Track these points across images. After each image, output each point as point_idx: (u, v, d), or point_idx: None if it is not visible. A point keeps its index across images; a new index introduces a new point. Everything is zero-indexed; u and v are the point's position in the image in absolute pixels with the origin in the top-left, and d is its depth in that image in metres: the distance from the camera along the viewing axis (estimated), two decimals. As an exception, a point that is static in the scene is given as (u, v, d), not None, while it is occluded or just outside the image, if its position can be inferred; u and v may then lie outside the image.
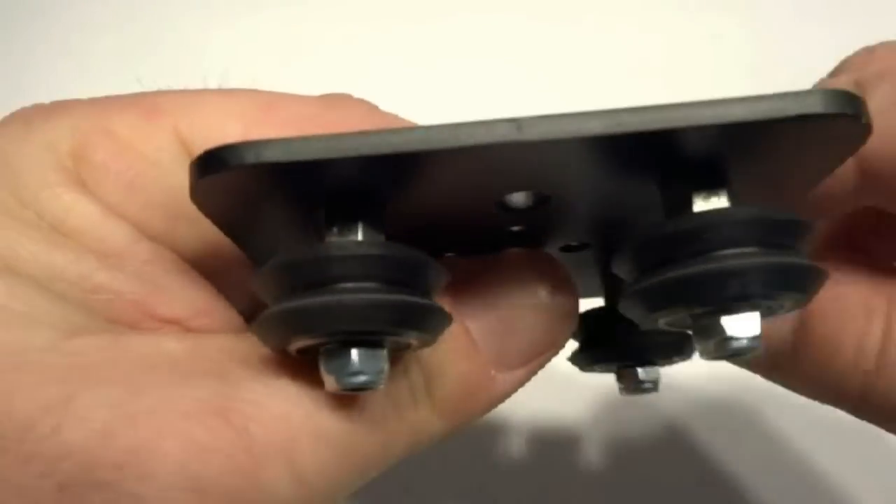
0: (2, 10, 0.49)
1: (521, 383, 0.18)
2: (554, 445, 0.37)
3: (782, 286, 0.14)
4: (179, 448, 0.13)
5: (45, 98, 0.19)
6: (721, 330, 0.14)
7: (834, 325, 0.19)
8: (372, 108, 0.18)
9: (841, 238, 0.21)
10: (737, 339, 0.14)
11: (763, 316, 0.15)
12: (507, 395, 0.18)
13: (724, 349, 0.14)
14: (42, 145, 0.17)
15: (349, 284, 0.14)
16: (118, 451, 0.13)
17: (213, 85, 0.20)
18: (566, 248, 0.19)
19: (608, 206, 0.17)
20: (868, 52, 0.19)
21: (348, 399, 0.15)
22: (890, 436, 0.21)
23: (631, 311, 0.15)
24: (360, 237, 0.15)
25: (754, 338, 0.14)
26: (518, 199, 0.16)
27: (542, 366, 0.18)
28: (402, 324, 0.14)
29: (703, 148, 0.14)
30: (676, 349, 0.21)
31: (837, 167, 0.16)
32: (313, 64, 0.44)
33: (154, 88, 0.19)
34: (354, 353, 0.14)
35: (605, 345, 0.21)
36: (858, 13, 0.49)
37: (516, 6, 0.48)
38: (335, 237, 0.15)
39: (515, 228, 0.17)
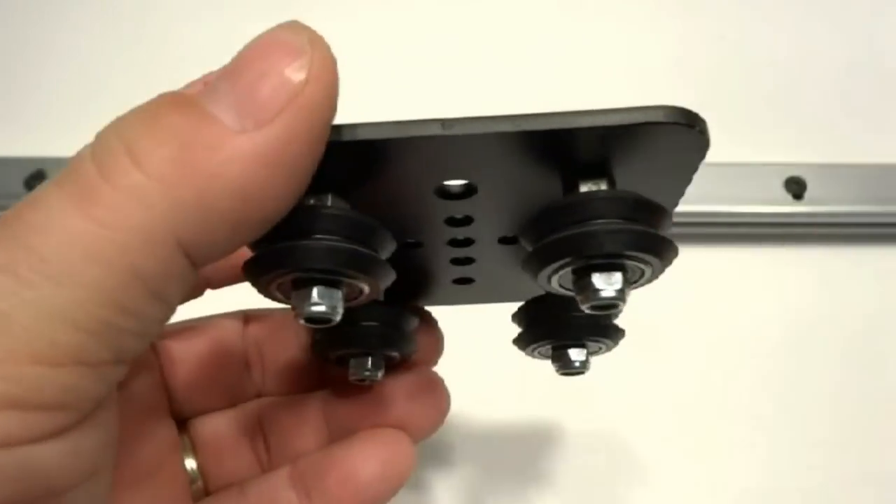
0: (2, 9, 0.52)
1: (278, 143, 0.16)
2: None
3: (633, 247, 0.18)
4: None
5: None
6: (591, 284, 0.18)
7: None
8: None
9: None
10: (603, 290, 0.18)
11: (630, 281, 0.19)
12: (264, 155, 0.16)
13: (594, 299, 0.18)
14: None
15: (317, 235, 0.18)
16: None
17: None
18: (504, 241, 0.23)
19: (526, 200, 0.21)
20: None
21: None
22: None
23: (529, 269, 0.20)
24: (329, 203, 0.19)
25: (618, 291, 0.18)
26: (452, 185, 0.20)
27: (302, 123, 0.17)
28: (352, 267, 0.19)
29: (589, 146, 0.18)
30: (599, 331, 0.25)
31: (691, 177, 0.20)
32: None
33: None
34: (315, 289, 0.19)
35: (541, 327, 0.25)
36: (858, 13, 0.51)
37: (513, 6, 0.52)
38: (310, 202, 0.19)
39: (458, 216, 0.22)
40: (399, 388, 0.28)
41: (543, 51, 0.50)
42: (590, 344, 0.25)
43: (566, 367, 0.25)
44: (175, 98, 0.17)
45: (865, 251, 0.45)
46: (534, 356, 0.27)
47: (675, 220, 0.41)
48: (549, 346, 0.26)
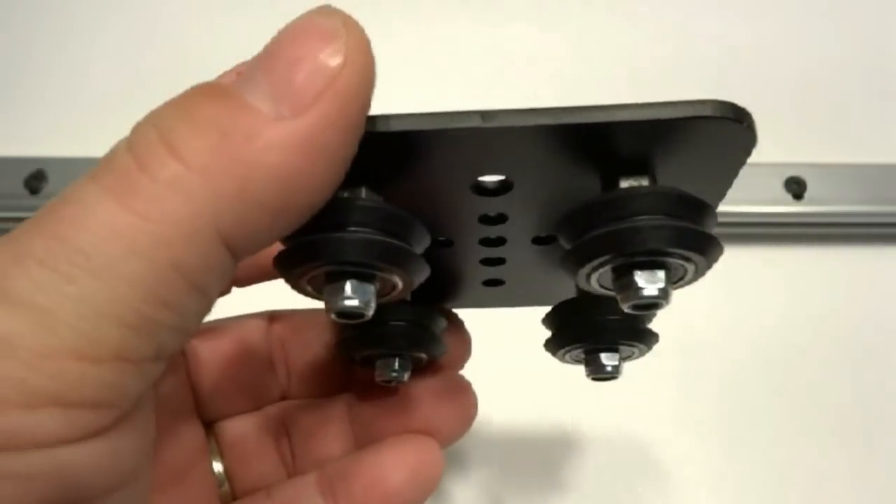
0: (2, 10, 0.51)
1: (317, 129, 0.16)
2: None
3: (677, 244, 0.17)
4: None
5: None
6: (634, 282, 0.18)
7: None
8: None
9: None
10: (645, 288, 0.18)
11: (673, 280, 0.18)
12: (303, 141, 0.16)
13: (636, 298, 0.18)
14: None
15: (351, 228, 0.18)
16: None
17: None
18: (537, 241, 0.23)
19: (563, 198, 0.20)
20: None
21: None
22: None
23: (568, 267, 0.19)
24: (363, 196, 0.19)
25: (661, 290, 0.18)
26: (488, 181, 0.20)
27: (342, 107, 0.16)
28: (386, 260, 0.18)
29: (631, 141, 0.18)
30: (633, 335, 0.24)
31: (735, 175, 0.20)
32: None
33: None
34: (349, 283, 0.18)
35: (573, 330, 0.25)
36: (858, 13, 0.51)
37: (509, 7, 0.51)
38: (344, 194, 0.19)
39: (492, 213, 0.21)
40: (426, 392, 0.28)
41: (546, 50, 0.50)
42: (623, 348, 0.25)
43: (598, 372, 0.25)
44: (210, 88, 0.17)
45: (865, 251, 0.45)
46: (565, 360, 0.26)
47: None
48: (580, 351, 0.25)
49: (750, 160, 0.44)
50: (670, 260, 0.18)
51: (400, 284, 0.19)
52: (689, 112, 0.17)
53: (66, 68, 0.51)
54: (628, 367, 0.39)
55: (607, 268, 0.18)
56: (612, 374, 0.25)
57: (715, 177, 0.20)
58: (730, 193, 0.42)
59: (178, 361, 0.26)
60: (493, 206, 0.21)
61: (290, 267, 0.19)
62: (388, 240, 0.18)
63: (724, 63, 0.50)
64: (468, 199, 0.20)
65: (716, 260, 0.19)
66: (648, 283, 0.18)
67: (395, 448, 0.26)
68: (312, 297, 0.20)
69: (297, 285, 0.19)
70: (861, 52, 0.50)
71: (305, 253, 0.18)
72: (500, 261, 0.24)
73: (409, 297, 0.25)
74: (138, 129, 0.16)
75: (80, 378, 0.15)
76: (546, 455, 0.39)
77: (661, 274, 0.18)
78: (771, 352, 0.42)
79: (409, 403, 0.27)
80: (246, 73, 0.17)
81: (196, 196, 0.15)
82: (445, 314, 0.28)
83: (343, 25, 0.16)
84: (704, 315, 0.43)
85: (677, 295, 0.41)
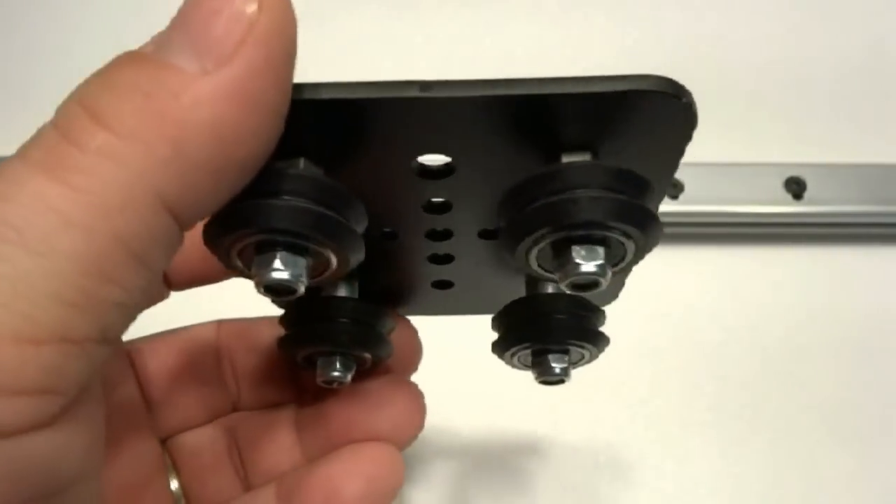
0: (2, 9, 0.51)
1: (244, 78, 0.15)
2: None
3: (616, 217, 0.17)
4: None
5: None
6: (572, 258, 0.18)
7: None
8: None
9: None
10: (583, 265, 0.18)
11: (612, 260, 0.18)
12: (231, 92, 0.15)
13: (574, 274, 0.18)
14: None
15: (285, 196, 0.17)
16: None
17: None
18: (484, 235, 0.22)
19: (506, 185, 0.19)
20: None
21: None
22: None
23: (507, 244, 0.19)
24: (301, 167, 0.18)
25: (599, 266, 0.18)
26: (430, 163, 0.19)
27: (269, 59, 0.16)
28: (320, 231, 0.18)
29: (572, 117, 0.18)
30: (583, 335, 0.24)
31: (679, 157, 0.19)
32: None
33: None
34: (279, 254, 0.18)
35: (521, 330, 0.24)
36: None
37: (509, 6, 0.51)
38: (279, 165, 0.18)
39: (436, 200, 0.21)
40: (370, 395, 0.26)
41: (537, 46, 0.51)
42: (572, 350, 0.24)
43: (546, 375, 0.24)
44: (129, 55, 0.16)
45: (865, 251, 0.44)
46: (513, 364, 0.25)
47: (673, 220, 0.43)
48: (528, 352, 0.24)
49: (750, 160, 0.45)
50: (609, 235, 0.18)
51: (334, 262, 0.19)
52: (628, 86, 0.17)
53: (67, 68, 0.51)
54: (626, 369, 0.40)
55: (546, 244, 0.18)
56: (561, 378, 0.24)
57: (659, 156, 0.19)
58: (730, 193, 0.43)
59: (127, 374, 0.26)
60: (436, 190, 0.20)
61: (218, 236, 0.18)
62: (322, 210, 0.17)
63: (724, 63, 0.50)
64: (411, 183, 0.20)
65: (656, 240, 0.18)
66: (587, 259, 0.18)
67: (350, 457, 0.26)
68: (242, 272, 0.19)
69: (226, 258, 0.19)
70: (861, 51, 0.50)
71: (234, 220, 0.17)
72: (448, 258, 0.24)
73: (355, 294, 0.24)
74: (61, 106, 0.16)
75: (19, 363, 0.14)
76: (514, 460, 0.39)
77: (599, 250, 0.18)
78: (771, 352, 0.42)
79: (353, 408, 0.26)
80: (163, 37, 0.16)
81: (130, 162, 0.15)
82: (394, 316, 0.27)
83: None
84: (704, 314, 0.43)
85: (677, 294, 0.42)
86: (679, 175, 0.42)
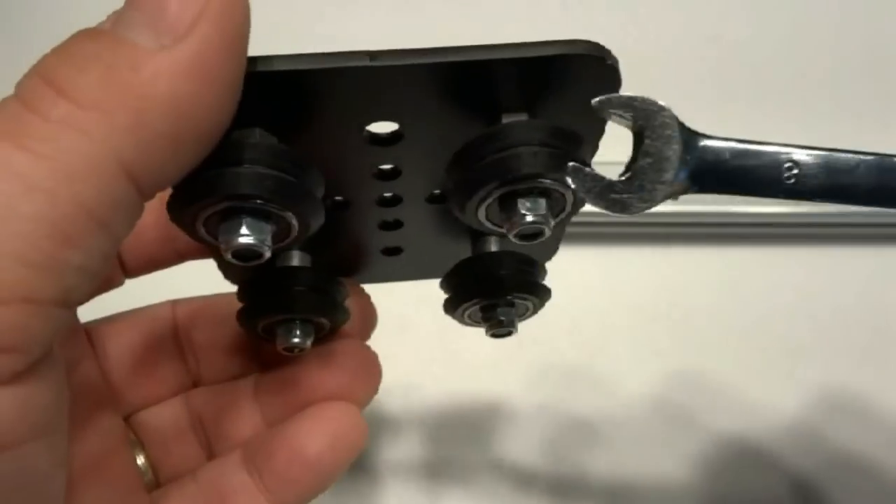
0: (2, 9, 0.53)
1: (200, 53, 0.16)
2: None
3: (554, 169, 0.19)
4: None
5: None
6: (517, 210, 0.19)
7: None
8: None
9: None
10: (528, 215, 0.19)
11: (555, 211, 0.20)
12: (188, 67, 0.16)
13: (520, 224, 0.19)
14: None
15: (246, 165, 0.18)
16: None
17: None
18: (432, 199, 0.24)
19: (451, 151, 0.20)
20: None
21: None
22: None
23: (457, 202, 0.20)
24: (257, 136, 0.19)
25: (542, 216, 0.19)
26: (378, 128, 0.20)
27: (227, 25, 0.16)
28: (282, 195, 0.18)
29: (510, 82, 0.19)
30: (526, 287, 0.25)
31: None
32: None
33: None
34: (245, 220, 0.18)
35: (469, 287, 0.26)
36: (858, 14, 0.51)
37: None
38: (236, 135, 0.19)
39: (386, 167, 0.22)
40: (326, 359, 0.27)
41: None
42: (517, 303, 0.25)
43: (496, 328, 0.26)
44: (88, 31, 0.17)
45: (865, 251, 0.44)
46: (464, 321, 0.27)
47: (674, 220, 0.43)
48: (477, 308, 0.26)
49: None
50: (550, 187, 0.19)
51: (296, 226, 0.20)
52: (557, 50, 0.18)
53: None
54: (626, 369, 0.40)
55: (493, 199, 0.19)
56: (509, 329, 0.25)
57: (591, 116, 0.20)
58: (730, 194, 0.44)
59: (88, 353, 0.26)
60: (386, 157, 0.21)
61: (183, 206, 0.19)
62: (283, 175, 0.18)
63: (724, 61, 0.50)
64: (362, 151, 0.21)
65: (584, 182, 0.19)
66: (531, 210, 0.19)
67: (312, 417, 0.26)
68: (206, 242, 0.20)
69: (191, 230, 0.19)
70: (862, 50, 0.50)
71: (199, 189, 0.18)
72: (397, 223, 0.25)
73: (309, 264, 0.25)
74: (22, 80, 0.16)
75: None
76: (482, 425, 0.40)
77: (542, 202, 0.19)
78: (771, 352, 0.42)
79: (312, 371, 0.27)
80: (120, 14, 0.17)
81: (92, 131, 0.15)
82: (347, 284, 0.27)
83: None
84: (704, 314, 0.43)
85: (678, 294, 0.42)
86: (678, 174, 0.43)
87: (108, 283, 0.27)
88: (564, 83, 0.19)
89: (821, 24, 0.51)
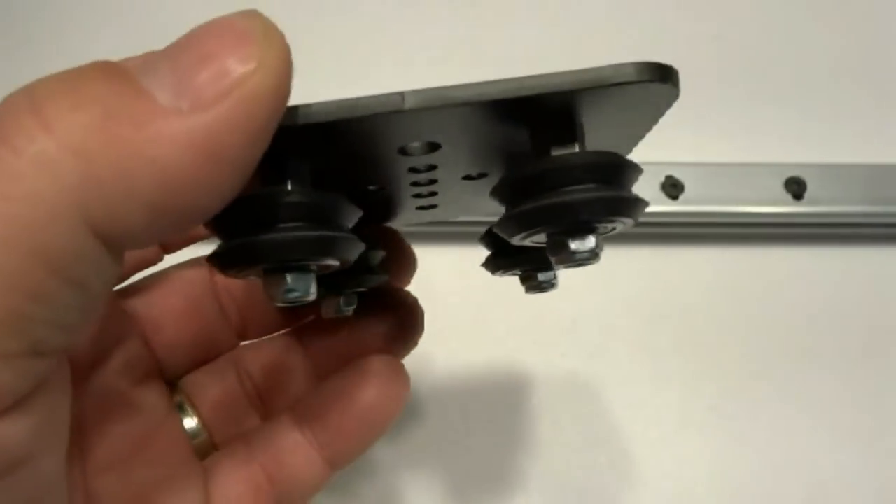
0: (3, 9, 0.52)
1: (214, 130, 0.15)
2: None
3: (611, 213, 0.18)
4: None
5: None
6: (567, 247, 0.18)
7: None
8: None
9: None
10: (579, 252, 0.18)
11: (600, 233, 0.19)
12: (197, 140, 0.15)
13: (570, 260, 0.19)
14: None
15: (282, 225, 0.18)
16: None
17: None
18: (468, 178, 0.23)
19: (492, 149, 0.20)
20: None
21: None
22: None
23: (503, 231, 0.20)
24: (289, 188, 0.18)
25: (591, 250, 0.18)
26: (414, 146, 0.20)
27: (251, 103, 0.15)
28: (322, 253, 0.18)
29: (557, 107, 0.18)
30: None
31: (655, 123, 0.20)
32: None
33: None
34: (289, 276, 0.18)
35: (509, 254, 0.25)
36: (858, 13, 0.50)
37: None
38: (269, 190, 0.18)
39: (421, 167, 0.22)
40: (374, 309, 0.28)
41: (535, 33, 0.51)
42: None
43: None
44: (106, 65, 0.15)
45: (865, 251, 0.44)
46: (513, 272, 0.26)
47: (673, 220, 0.43)
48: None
49: (750, 160, 0.45)
50: (600, 225, 0.19)
51: (337, 264, 0.20)
52: (611, 80, 0.17)
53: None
54: (626, 369, 0.40)
55: (542, 234, 0.19)
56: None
57: (638, 127, 0.20)
58: (730, 193, 0.43)
59: (129, 329, 0.26)
60: (421, 161, 0.21)
61: (225, 268, 0.19)
62: (321, 234, 0.18)
63: (724, 62, 0.50)
64: (396, 159, 0.20)
65: (641, 214, 0.19)
66: (580, 246, 0.18)
67: (359, 370, 0.27)
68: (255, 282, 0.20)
69: (237, 278, 0.20)
70: (862, 51, 0.50)
71: (241, 256, 0.18)
72: (432, 194, 0.25)
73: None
74: (12, 96, 0.15)
75: None
76: (481, 425, 0.39)
77: (591, 238, 0.18)
78: (771, 352, 0.42)
79: (356, 323, 0.28)
80: (151, 59, 0.15)
81: (65, 177, 0.14)
82: (383, 241, 0.28)
83: (262, 30, 0.15)
84: (704, 314, 0.43)
85: (678, 294, 0.42)
86: (679, 175, 0.43)
87: (145, 262, 0.27)
88: (617, 105, 0.18)
89: (821, 23, 0.51)
